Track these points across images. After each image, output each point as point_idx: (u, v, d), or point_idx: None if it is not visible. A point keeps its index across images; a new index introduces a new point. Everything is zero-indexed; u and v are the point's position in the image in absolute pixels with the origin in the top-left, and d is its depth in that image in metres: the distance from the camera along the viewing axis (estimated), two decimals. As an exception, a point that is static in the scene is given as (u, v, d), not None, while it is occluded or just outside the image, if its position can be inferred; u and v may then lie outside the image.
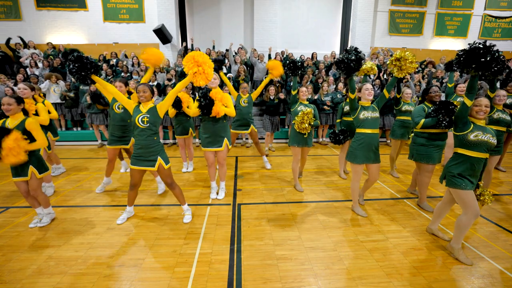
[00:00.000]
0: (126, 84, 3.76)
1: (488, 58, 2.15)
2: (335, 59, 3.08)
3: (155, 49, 3.57)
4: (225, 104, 3.43)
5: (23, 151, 2.65)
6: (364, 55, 3.07)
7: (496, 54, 2.17)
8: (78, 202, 3.74)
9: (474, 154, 2.36)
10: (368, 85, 3.10)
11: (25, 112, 2.97)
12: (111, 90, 2.87)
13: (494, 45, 2.22)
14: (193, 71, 2.59)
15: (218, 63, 4.03)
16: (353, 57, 2.89)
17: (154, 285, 2.20)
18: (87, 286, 2.18)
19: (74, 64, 2.71)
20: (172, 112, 4.47)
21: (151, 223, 3.15)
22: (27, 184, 2.95)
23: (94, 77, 2.85)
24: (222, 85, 5.95)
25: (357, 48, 3.00)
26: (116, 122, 3.75)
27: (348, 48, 3.05)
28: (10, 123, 2.81)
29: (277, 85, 7.30)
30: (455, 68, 3.84)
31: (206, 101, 3.29)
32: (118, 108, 3.73)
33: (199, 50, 8.91)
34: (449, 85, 4.14)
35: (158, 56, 3.56)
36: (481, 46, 2.19)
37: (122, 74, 7.77)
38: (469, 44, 2.29)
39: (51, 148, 4.42)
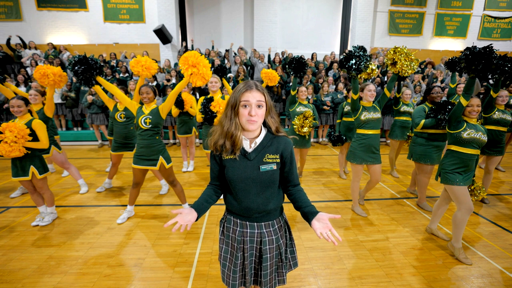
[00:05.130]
0: (126, 92, 3.92)
1: (494, 62, 2.18)
2: (344, 55, 3.02)
3: (147, 60, 3.32)
4: None
5: (21, 146, 2.69)
6: (368, 55, 3.00)
7: (502, 60, 2.21)
8: (79, 201, 3.75)
9: (466, 151, 2.46)
10: (371, 86, 3.06)
11: (30, 113, 3.02)
12: (114, 91, 2.90)
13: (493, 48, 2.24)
14: (188, 73, 2.60)
15: (221, 72, 4.06)
16: (362, 58, 2.87)
17: (154, 284, 2.21)
18: (87, 285, 2.19)
19: (80, 66, 2.72)
20: (175, 111, 4.51)
21: (152, 223, 3.16)
22: (31, 182, 2.99)
23: (99, 79, 2.86)
24: (222, 86, 5.98)
25: (363, 47, 2.98)
26: (119, 130, 3.86)
27: (354, 46, 3.01)
28: (19, 123, 2.84)
29: (277, 85, 7.32)
30: (458, 68, 3.81)
31: (208, 115, 3.33)
32: (120, 117, 3.84)
33: (199, 50, 8.97)
34: (452, 86, 4.14)
35: (150, 70, 3.34)
36: (486, 51, 2.21)
37: (121, 74, 7.78)
38: (472, 46, 2.31)
39: (61, 148, 4.42)
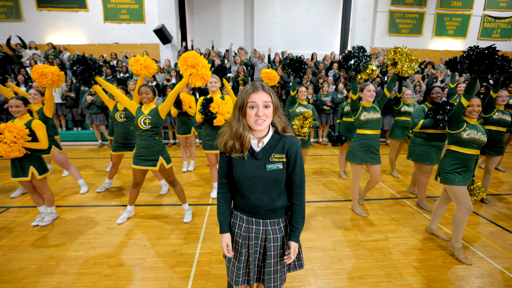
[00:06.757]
0: (127, 92, 3.94)
1: (498, 63, 2.18)
2: (343, 55, 3.00)
3: (146, 59, 3.35)
4: (226, 112, 3.42)
5: (20, 146, 2.68)
6: (368, 55, 3.00)
7: (505, 60, 2.20)
8: (79, 202, 3.75)
9: (466, 151, 2.46)
10: (371, 86, 3.06)
11: (30, 113, 3.02)
12: (113, 92, 2.89)
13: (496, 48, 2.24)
14: (187, 74, 2.59)
15: (221, 72, 4.05)
16: (362, 59, 2.86)
17: (154, 285, 2.21)
18: (87, 285, 2.19)
19: (79, 66, 2.71)
20: (174, 111, 4.51)
21: (152, 223, 3.16)
22: (31, 182, 2.98)
23: (98, 79, 2.85)
24: (221, 86, 5.98)
25: (363, 47, 2.97)
26: (119, 130, 3.85)
27: (354, 46, 3.00)
28: (18, 123, 2.84)
29: (277, 85, 7.32)
30: (459, 68, 3.80)
31: (207, 116, 3.33)
32: (120, 117, 3.84)
33: (199, 50, 8.97)
34: (451, 86, 4.13)
35: (149, 69, 3.37)
36: (489, 51, 2.20)
37: (121, 74, 7.78)
38: (474, 46, 2.31)
39: (61, 148, 4.40)
